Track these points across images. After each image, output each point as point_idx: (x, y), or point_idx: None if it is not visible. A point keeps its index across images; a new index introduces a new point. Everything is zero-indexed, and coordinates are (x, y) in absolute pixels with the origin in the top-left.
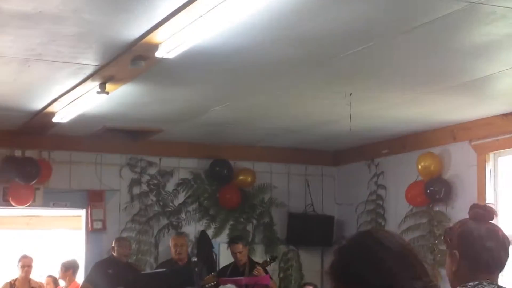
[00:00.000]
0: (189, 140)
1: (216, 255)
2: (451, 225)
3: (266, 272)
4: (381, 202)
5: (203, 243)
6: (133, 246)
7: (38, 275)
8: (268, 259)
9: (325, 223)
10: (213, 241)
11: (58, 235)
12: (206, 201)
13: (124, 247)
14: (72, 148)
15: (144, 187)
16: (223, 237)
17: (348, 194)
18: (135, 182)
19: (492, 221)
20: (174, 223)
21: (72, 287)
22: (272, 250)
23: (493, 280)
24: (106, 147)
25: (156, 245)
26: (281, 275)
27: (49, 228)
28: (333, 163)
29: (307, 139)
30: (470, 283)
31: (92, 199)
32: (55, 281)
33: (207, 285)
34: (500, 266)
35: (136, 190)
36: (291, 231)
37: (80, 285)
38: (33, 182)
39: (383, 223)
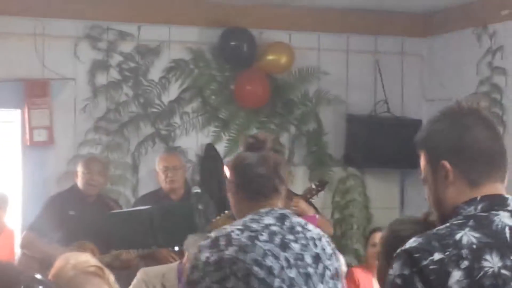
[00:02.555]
0: None
1: None
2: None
3: (311, 206)
4: (498, 96)
5: (210, 164)
6: None
7: None
8: (314, 186)
9: (407, 131)
10: (226, 161)
11: None
12: (214, 96)
13: (97, 173)
14: None
15: (114, 74)
16: None
17: (444, 83)
18: (99, 66)
19: (264, 149)
20: (163, 132)
21: (3, 236)
22: (322, 175)
23: (272, 205)
24: (52, 9)
25: (135, 168)
26: (337, 215)
27: None
28: (421, 33)
29: None
30: (249, 216)
31: (30, 94)
32: None
33: None
34: (275, 191)
35: (101, 79)
36: (351, 144)
37: (22, 235)
38: None
39: (501, 131)
